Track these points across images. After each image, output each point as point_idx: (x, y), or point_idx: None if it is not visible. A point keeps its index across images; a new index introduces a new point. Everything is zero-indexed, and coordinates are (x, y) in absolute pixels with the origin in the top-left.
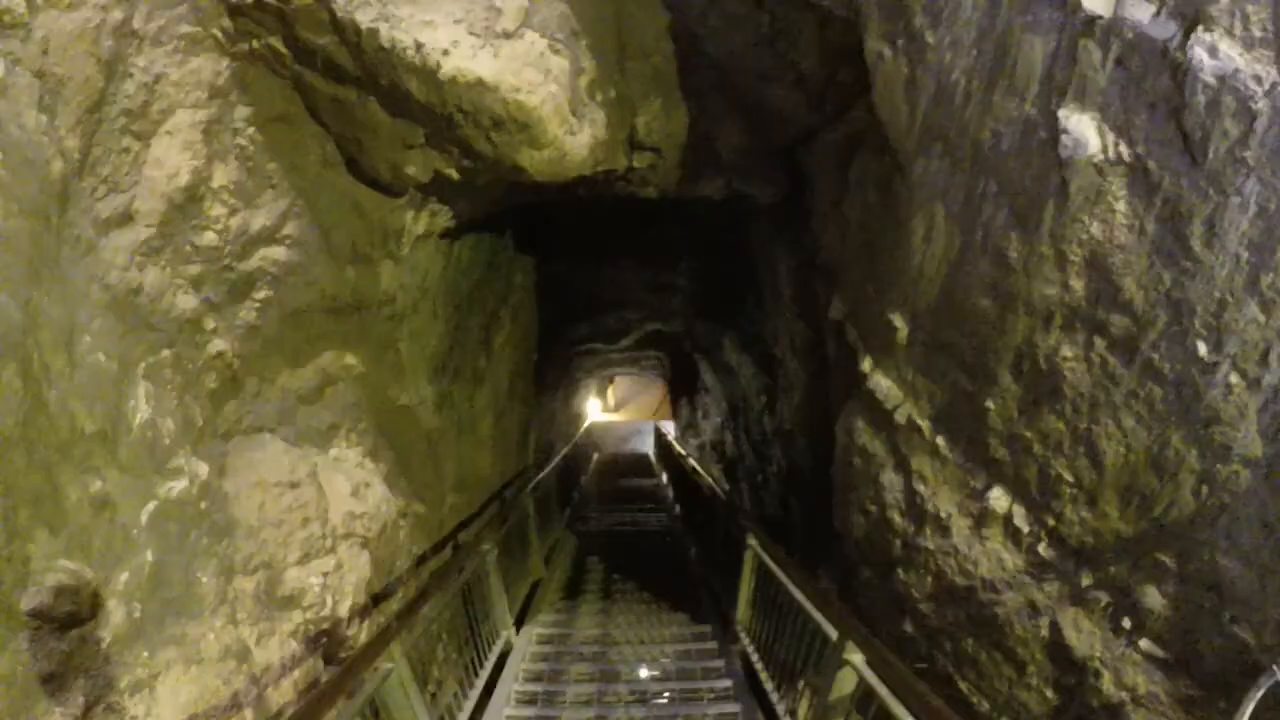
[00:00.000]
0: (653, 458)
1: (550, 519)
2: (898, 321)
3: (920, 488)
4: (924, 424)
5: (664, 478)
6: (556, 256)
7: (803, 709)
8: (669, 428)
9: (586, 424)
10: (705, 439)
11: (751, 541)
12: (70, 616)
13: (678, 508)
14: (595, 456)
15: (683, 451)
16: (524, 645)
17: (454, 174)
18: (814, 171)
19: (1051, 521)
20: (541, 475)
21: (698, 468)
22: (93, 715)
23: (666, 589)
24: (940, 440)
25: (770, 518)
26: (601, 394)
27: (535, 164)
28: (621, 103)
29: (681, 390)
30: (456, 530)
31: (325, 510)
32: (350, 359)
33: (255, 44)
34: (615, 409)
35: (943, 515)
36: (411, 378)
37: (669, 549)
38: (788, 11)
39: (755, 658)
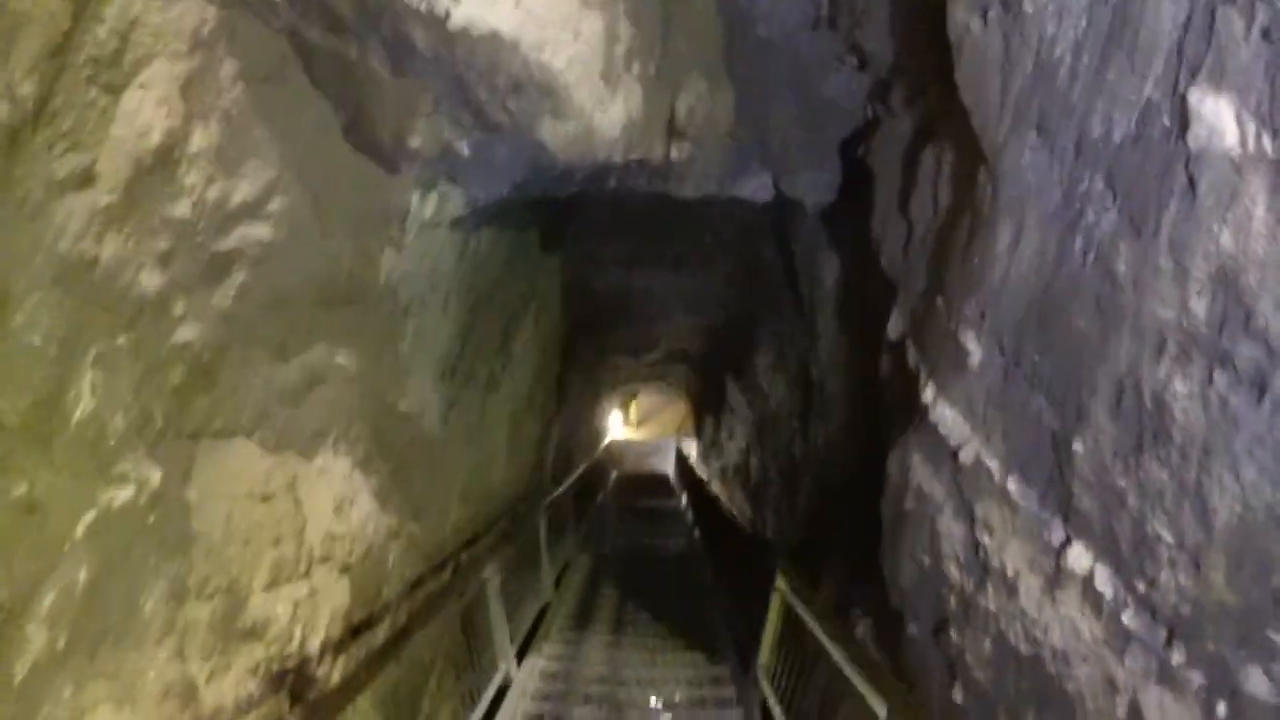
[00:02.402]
0: (672, 478)
1: (564, 537)
2: (971, 343)
3: (985, 538)
4: (994, 465)
5: (683, 499)
6: (583, 260)
7: None
8: (691, 447)
9: (607, 440)
10: (729, 461)
11: (781, 585)
12: None
13: (696, 532)
14: (614, 473)
15: (704, 475)
16: (525, 680)
17: (465, 148)
18: (875, 168)
19: (1142, 587)
20: (558, 492)
21: (720, 494)
22: None
23: (683, 622)
24: (1013, 485)
25: (796, 548)
26: (624, 409)
27: (559, 139)
28: (661, 82)
29: (706, 409)
30: (461, 549)
31: (302, 528)
32: (342, 357)
33: None
34: (637, 425)
35: (1009, 572)
36: (415, 381)
37: (687, 577)
38: None
39: (777, 711)
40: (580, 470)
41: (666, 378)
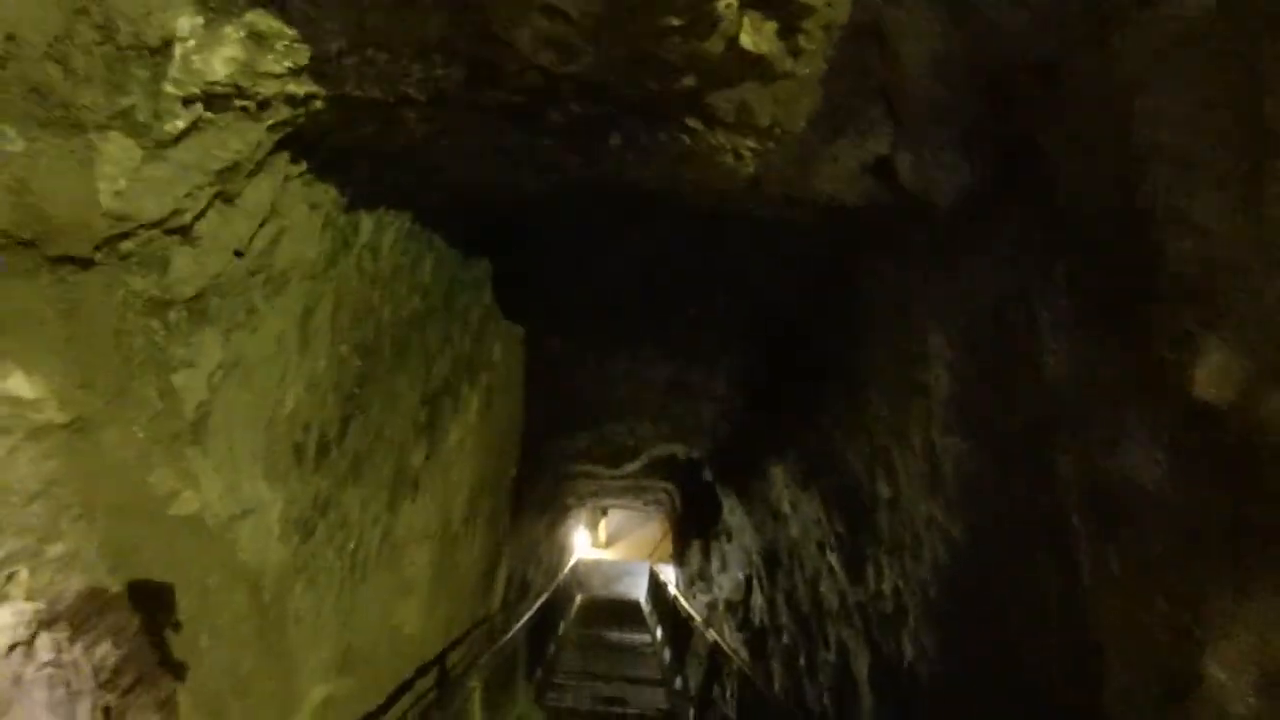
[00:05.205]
0: (645, 606)
1: (514, 690)
2: None
3: None
4: None
5: (659, 633)
6: (553, 336)
7: None
8: (668, 572)
9: (573, 561)
10: (720, 596)
11: None
12: None
13: (679, 681)
14: (579, 598)
15: (689, 610)
16: None
17: None
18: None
19: None
20: (508, 635)
21: (720, 641)
22: None
23: None
24: None
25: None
26: (593, 526)
27: None
28: None
29: (692, 531)
30: None
31: None
32: (24, 383)
33: None
34: (606, 544)
35: None
36: (221, 459)
37: None
38: None
39: None
40: (539, 604)
41: (645, 493)
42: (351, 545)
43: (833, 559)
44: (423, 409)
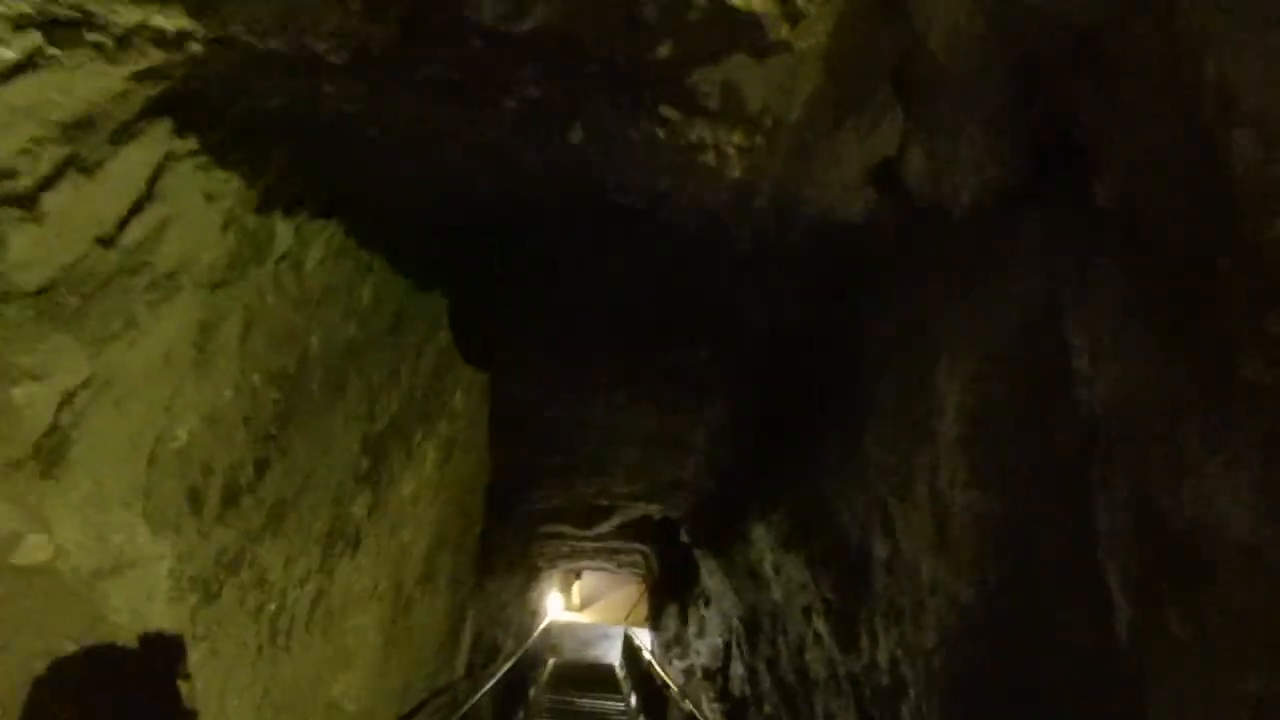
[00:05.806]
0: (619, 670)
1: None
2: None
3: None
4: None
5: (633, 701)
6: (520, 384)
7: None
8: (644, 637)
9: (545, 623)
10: (698, 662)
11: None
12: None
13: None
14: (551, 662)
15: (665, 677)
16: None
17: None
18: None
19: None
20: (470, 704)
21: (696, 712)
22: None
23: None
24: None
25: None
26: (565, 589)
27: None
28: None
29: (668, 596)
30: None
31: None
32: None
33: None
34: (580, 607)
35: None
36: (84, 495)
37: None
38: None
39: None
40: (508, 665)
41: (619, 555)
42: (272, 609)
43: (820, 625)
44: (364, 456)
